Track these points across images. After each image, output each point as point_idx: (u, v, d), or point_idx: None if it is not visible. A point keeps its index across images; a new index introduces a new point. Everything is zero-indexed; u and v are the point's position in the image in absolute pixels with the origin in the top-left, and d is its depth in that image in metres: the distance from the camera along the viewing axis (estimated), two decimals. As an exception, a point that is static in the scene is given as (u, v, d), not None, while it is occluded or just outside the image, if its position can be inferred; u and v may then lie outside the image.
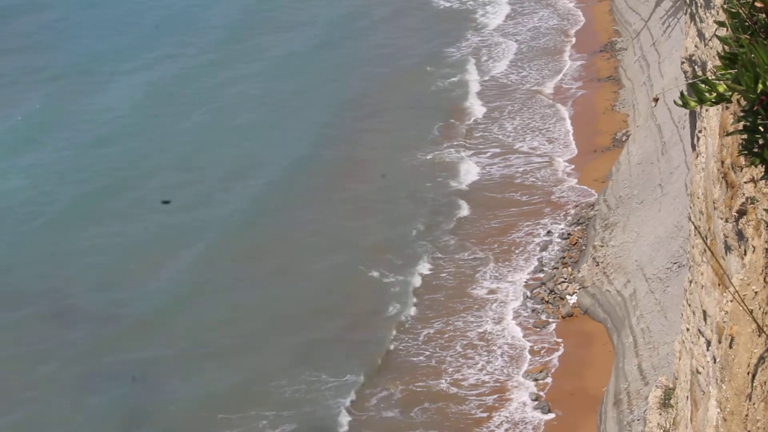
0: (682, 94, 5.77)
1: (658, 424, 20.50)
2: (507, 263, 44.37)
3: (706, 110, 16.18)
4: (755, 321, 8.08)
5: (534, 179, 51.96)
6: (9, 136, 58.36)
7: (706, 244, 15.33)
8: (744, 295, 8.81)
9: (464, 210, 49.38)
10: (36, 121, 60.28)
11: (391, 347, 39.37)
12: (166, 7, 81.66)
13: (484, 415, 35.50)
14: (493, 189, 51.36)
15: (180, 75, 67.44)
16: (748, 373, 7.91)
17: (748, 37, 5.31)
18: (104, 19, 79.81)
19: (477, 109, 61.76)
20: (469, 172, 53.36)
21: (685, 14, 19.67)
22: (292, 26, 77.79)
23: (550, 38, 73.74)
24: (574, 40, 72.83)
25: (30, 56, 71.20)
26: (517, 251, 45.22)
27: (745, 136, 5.40)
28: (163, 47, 72.68)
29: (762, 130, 5.30)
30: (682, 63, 19.45)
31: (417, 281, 43.56)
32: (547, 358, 38.11)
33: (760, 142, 5.35)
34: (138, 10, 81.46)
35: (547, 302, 41.37)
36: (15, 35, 75.65)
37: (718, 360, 10.33)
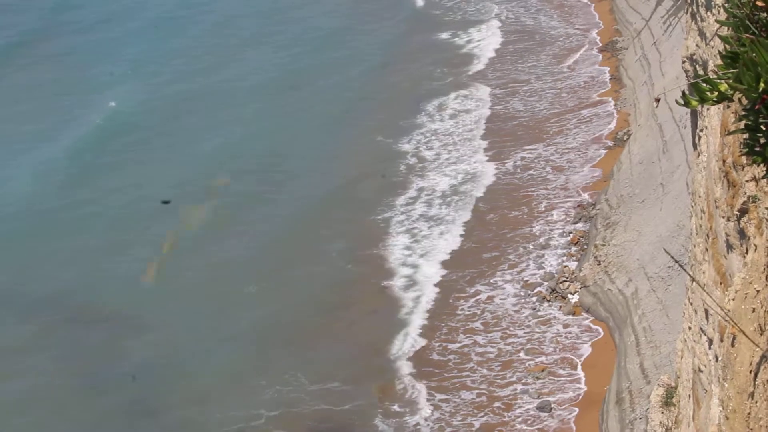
0: (683, 93, 5.78)
1: (660, 422, 20.52)
2: (508, 262, 44.34)
3: (708, 109, 16.20)
4: (742, 332, 8.10)
5: (536, 179, 51.94)
6: (15, 137, 58.44)
7: (682, 263, 15.35)
8: (746, 293, 8.82)
9: (468, 210, 49.43)
10: (40, 122, 60.36)
11: (394, 348, 39.37)
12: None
13: (487, 415, 35.49)
14: (496, 189, 51.37)
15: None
16: (750, 372, 7.93)
17: (750, 36, 5.32)
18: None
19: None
20: (485, 174, 53.18)
21: (686, 13, 19.69)
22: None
23: (555, 37, 73.81)
24: (578, 40, 72.87)
25: (30, 56, 71.37)
26: (518, 250, 45.19)
27: (746, 135, 5.41)
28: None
29: (764, 128, 5.32)
30: (684, 62, 19.48)
31: (421, 279, 43.64)
32: (549, 357, 38.10)
33: (762, 141, 5.36)
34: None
35: (549, 301, 41.35)
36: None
37: (720, 358, 10.36)
